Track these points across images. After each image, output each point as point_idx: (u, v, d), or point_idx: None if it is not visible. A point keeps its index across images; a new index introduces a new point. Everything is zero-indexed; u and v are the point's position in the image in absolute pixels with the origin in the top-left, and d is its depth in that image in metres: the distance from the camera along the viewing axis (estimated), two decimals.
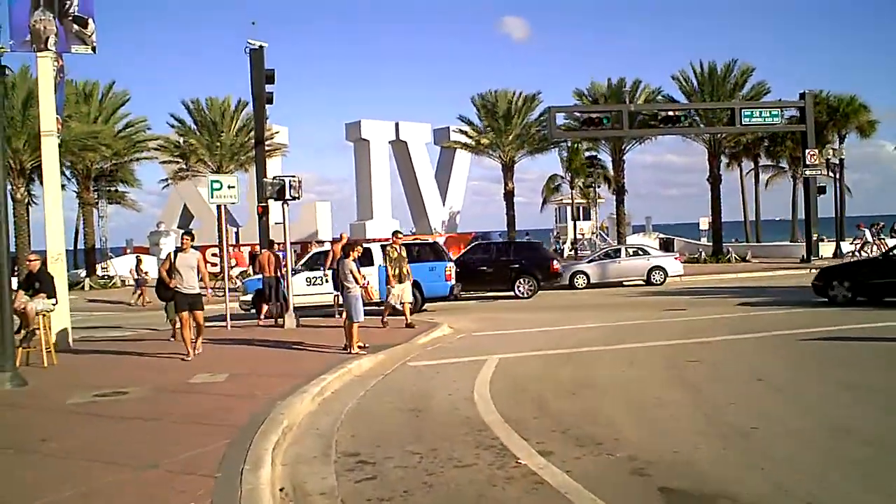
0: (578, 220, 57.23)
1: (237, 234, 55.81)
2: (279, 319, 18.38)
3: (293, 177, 18.06)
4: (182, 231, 19.42)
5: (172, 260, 13.21)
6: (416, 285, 18.46)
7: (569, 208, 60.90)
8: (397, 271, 16.62)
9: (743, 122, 37.24)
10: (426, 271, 20.58)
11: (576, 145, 52.26)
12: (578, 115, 38.58)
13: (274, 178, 18.27)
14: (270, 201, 30.39)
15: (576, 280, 29.20)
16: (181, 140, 41.08)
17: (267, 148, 35.57)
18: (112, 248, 49.00)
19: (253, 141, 37.01)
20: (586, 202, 57.17)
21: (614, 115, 36.91)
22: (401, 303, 16.73)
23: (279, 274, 19.85)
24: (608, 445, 6.99)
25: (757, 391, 9.31)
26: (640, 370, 11.04)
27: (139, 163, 41.81)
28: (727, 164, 52.18)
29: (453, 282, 21.38)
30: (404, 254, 16.85)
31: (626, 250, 31.39)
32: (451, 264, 21.70)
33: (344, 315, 13.75)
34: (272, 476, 6.24)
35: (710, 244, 43.59)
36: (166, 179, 43.84)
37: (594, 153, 52.20)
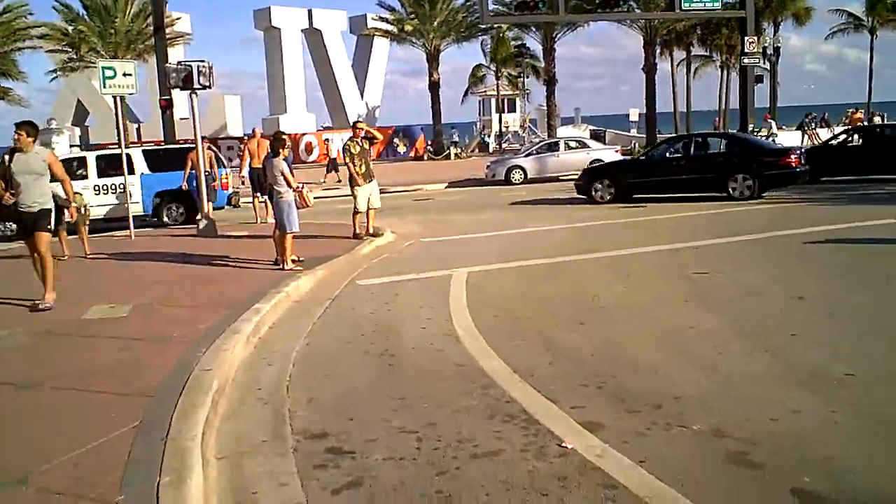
0: (504, 112, 55.07)
1: (138, 130, 51.53)
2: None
3: (202, 62, 15.26)
4: (53, 127, 16.19)
5: (7, 164, 8.92)
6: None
7: (493, 100, 58.62)
8: (364, 168, 14.00)
9: (682, 8, 35.19)
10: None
11: (502, 34, 49.65)
12: None
13: (178, 63, 15.42)
14: (175, 92, 27.31)
15: (512, 175, 27.35)
16: (69, 27, 36.63)
17: (168, 37, 31.93)
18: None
19: (151, 28, 33.37)
20: (513, 93, 54.91)
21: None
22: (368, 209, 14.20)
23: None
24: (671, 409, 5.09)
25: (807, 314, 7.53)
26: (644, 286, 9.18)
27: (22, 53, 37.18)
28: (659, 53, 50.40)
29: (230, 191, 19.60)
30: (367, 147, 14.27)
31: (566, 143, 29.42)
32: (227, 171, 19.62)
33: (274, 224, 11.46)
34: (205, 488, 4.13)
35: (643, 136, 42.15)
36: (55, 71, 39.39)
37: (521, 42, 49.78)
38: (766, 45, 39.29)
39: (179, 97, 45.21)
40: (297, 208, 11.14)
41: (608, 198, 19.06)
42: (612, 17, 36.88)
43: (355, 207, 14.01)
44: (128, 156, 17.44)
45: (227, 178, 18.80)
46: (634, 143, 41.22)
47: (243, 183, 17.93)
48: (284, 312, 8.63)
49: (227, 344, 6.88)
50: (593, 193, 19.33)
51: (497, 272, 10.60)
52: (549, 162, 28.06)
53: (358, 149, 13.73)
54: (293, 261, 11.13)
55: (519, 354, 6.49)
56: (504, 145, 49.55)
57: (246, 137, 21.85)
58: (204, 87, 15.26)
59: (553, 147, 29.19)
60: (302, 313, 8.59)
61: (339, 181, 28.97)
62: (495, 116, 56.42)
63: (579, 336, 7.06)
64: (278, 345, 7.25)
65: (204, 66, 15.14)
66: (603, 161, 27.42)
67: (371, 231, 14.04)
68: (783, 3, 44.17)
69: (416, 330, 7.59)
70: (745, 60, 36.95)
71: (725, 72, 50.83)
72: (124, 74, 15.75)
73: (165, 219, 18.63)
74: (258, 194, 17.75)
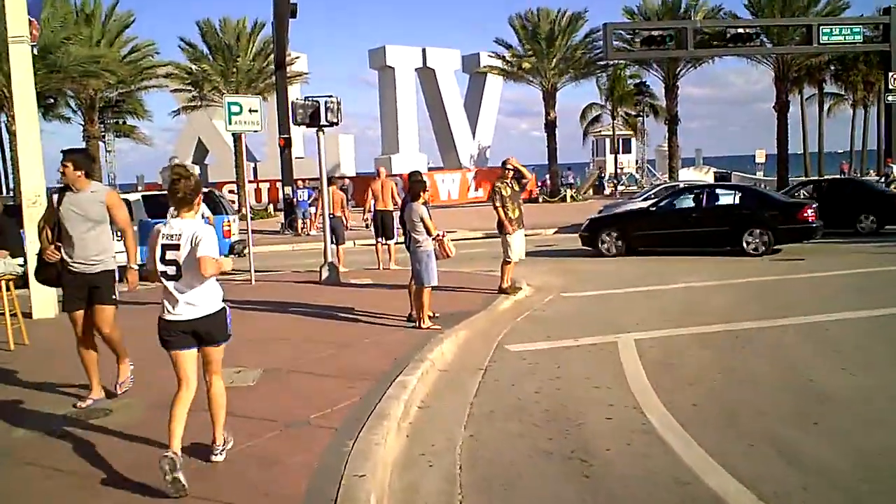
0: (618, 153, 53.29)
1: (255, 169, 52.30)
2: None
3: (329, 97, 14.42)
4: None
5: (55, 206, 6.60)
6: None
7: (608, 140, 56.91)
8: (517, 213, 12.54)
9: (821, 41, 33.05)
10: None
11: (619, 71, 48.16)
12: (632, 34, 34.48)
13: (306, 99, 14.63)
14: (294, 130, 26.82)
15: None
16: (193, 66, 37.22)
17: (286, 76, 31.86)
18: (122, 184, 45.75)
19: (272, 66, 33.45)
20: (631, 133, 53.12)
21: (677, 33, 32.70)
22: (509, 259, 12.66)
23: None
24: None
25: None
26: (863, 366, 7.53)
27: (147, 91, 38.10)
28: (788, 91, 47.77)
29: (233, 238, 17.13)
30: (517, 188, 12.70)
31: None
32: (230, 218, 17.28)
33: (410, 276, 10.31)
34: None
35: (773, 179, 39.63)
36: (177, 110, 40.10)
37: (641, 80, 48.10)
38: None
39: (296, 135, 45.79)
40: (437, 258, 9.95)
41: (614, 251, 18.08)
42: (743, 52, 34.97)
43: (506, 257, 12.56)
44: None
45: (228, 226, 16.93)
46: (766, 187, 38.69)
47: (367, 226, 17.01)
48: (432, 387, 7.38)
49: (377, 434, 5.64)
50: (600, 245, 18.32)
51: (670, 340, 9.09)
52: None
53: (509, 191, 12.40)
54: (429, 317, 9.95)
55: (754, 468, 5.00)
56: (620, 188, 47.74)
57: (338, 181, 20.74)
58: (331, 124, 14.40)
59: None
60: (453, 388, 7.32)
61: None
62: (610, 157, 54.71)
63: (823, 442, 5.50)
64: (436, 436, 5.97)
65: (332, 102, 14.29)
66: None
67: (510, 284, 12.71)
68: None
69: (599, 419, 6.19)
70: (890, 98, 34.42)
71: (863, 110, 47.68)
72: (250, 111, 15.07)
73: None
74: (381, 239, 16.80)
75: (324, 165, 14.80)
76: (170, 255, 4.83)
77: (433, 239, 9.88)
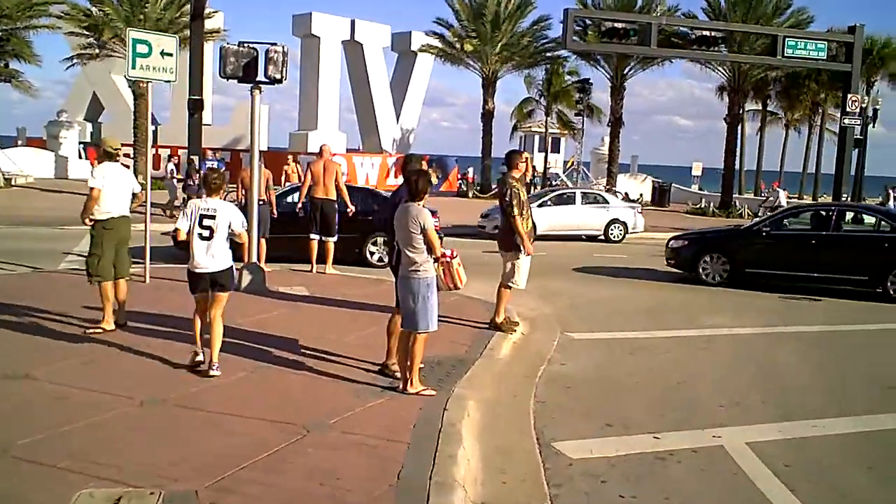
0: (549, 152, 50.73)
1: (155, 133, 47.20)
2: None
3: (273, 44, 10.80)
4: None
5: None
6: None
7: (537, 138, 54.42)
8: (530, 225, 9.16)
9: (786, 54, 31.05)
10: None
11: (557, 66, 45.39)
12: (591, 24, 31.73)
13: (241, 44, 10.93)
14: (210, 92, 22.75)
15: None
16: (93, 8, 32.32)
17: (203, 29, 27.64)
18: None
19: (187, 17, 29.14)
20: (563, 132, 50.60)
21: (641, 27, 30.07)
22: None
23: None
24: None
25: None
26: None
27: (36, 32, 32.81)
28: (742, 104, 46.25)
29: None
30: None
31: (584, 195, 24.27)
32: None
33: (394, 313, 6.92)
34: None
35: (710, 193, 37.73)
36: (71, 58, 35.02)
37: (576, 75, 45.35)
38: (863, 104, 35.09)
39: (206, 98, 41.12)
40: (438, 289, 6.61)
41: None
42: (706, 56, 32.60)
43: (508, 282, 9.28)
44: None
45: None
46: (709, 203, 36.66)
47: (300, 215, 13.43)
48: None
49: None
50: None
51: (804, 443, 6.03)
52: (564, 216, 22.69)
53: (524, 194, 9.13)
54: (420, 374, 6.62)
55: None
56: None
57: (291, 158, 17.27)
58: (273, 81, 10.78)
59: (568, 199, 23.81)
60: None
61: None
62: (539, 156, 52.18)
63: None
64: None
65: (275, 52, 10.68)
66: (622, 220, 23.32)
67: (505, 318, 9.41)
68: (882, 60, 39.90)
69: None
70: (847, 121, 32.68)
71: (798, 132, 46.59)
72: (163, 53, 11.30)
73: None
74: (316, 234, 13.30)
75: (257, 134, 11.16)
76: (206, 222, 6.77)
77: (437, 261, 6.54)
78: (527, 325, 9.89)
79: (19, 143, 41.32)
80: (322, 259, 13.31)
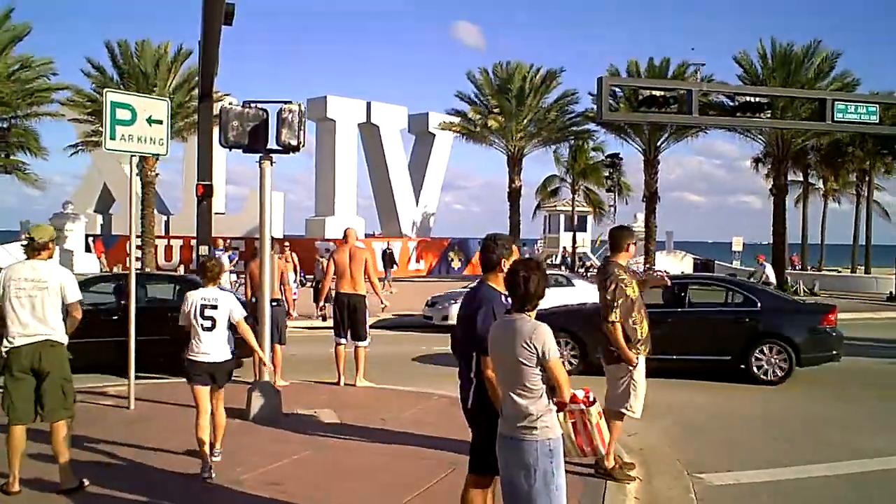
0: (575, 230, 48.41)
1: (167, 224, 45.39)
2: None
3: (287, 102, 8.51)
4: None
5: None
6: None
7: (562, 216, 52.24)
8: (645, 331, 6.62)
9: (835, 119, 28.82)
10: None
11: (581, 142, 43.39)
12: (628, 93, 29.83)
13: (245, 104, 8.65)
14: (216, 179, 20.81)
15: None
16: (98, 94, 30.71)
17: (212, 110, 25.81)
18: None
19: (195, 102, 27.41)
20: (590, 210, 48.32)
21: (681, 95, 28.05)
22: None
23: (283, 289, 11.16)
24: None
25: None
26: None
27: (39, 120, 31.09)
28: (766, 175, 43.90)
29: None
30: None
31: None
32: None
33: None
34: None
35: (756, 269, 34.89)
36: (76, 145, 33.36)
37: (601, 151, 43.29)
38: None
39: (217, 187, 39.29)
40: (565, 455, 4.02)
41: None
42: (751, 124, 30.35)
43: (621, 407, 6.63)
44: None
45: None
46: (760, 281, 33.85)
47: (321, 317, 10.94)
48: None
49: None
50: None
51: None
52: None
53: (635, 290, 6.62)
54: None
55: None
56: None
57: (277, 244, 14.99)
58: (288, 149, 8.44)
59: None
60: None
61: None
62: (565, 235, 49.98)
63: None
64: None
65: (289, 111, 8.38)
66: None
67: (617, 462, 6.68)
68: None
69: None
70: None
71: (858, 202, 44.01)
72: (150, 120, 9.07)
73: None
74: (344, 337, 10.81)
75: (268, 213, 8.75)
76: (209, 312, 6.50)
77: (561, 409, 3.99)
78: (637, 463, 7.24)
79: (23, 237, 39.31)
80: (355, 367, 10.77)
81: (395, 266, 31.18)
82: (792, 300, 14.87)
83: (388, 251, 30.60)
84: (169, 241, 38.56)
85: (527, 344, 3.79)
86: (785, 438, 8.64)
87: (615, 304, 6.30)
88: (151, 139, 9.11)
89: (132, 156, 9.23)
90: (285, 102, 8.47)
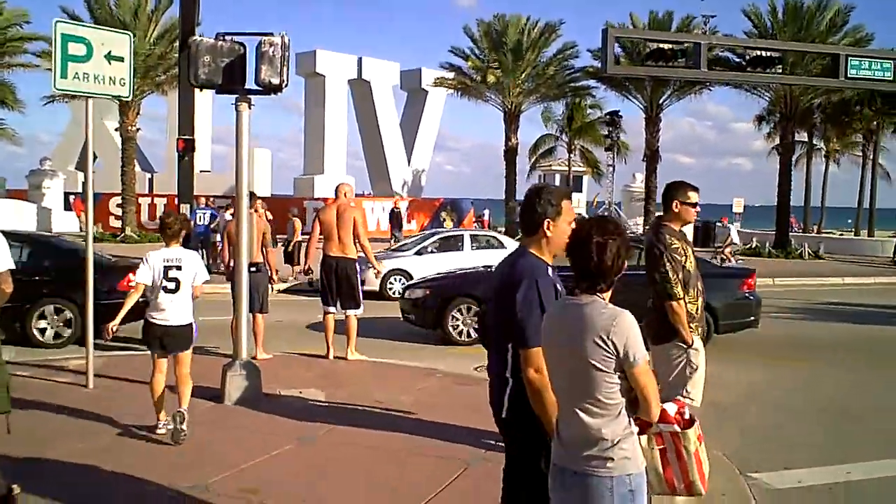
0: (571, 191, 47.14)
1: (151, 181, 43.91)
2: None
3: (268, 34, 7.24)
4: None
5: None
6: None
7: (557, 177, 51.00)
8: (699, 304, 5.39)
9: (848, 75, 27.58)
10: None
11: (579, 100, 41.99)
12: (632, 46, 28.53)
13: (220, 35, 7.37)
14: (200, 133, 19.89)
15: (388, 285, 16.51)
16: None
17: None
18: None
19: (176, 55, 25.89)
20: (587, 170, 47.10)
21: (689, 49, 26.69)
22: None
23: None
24: None
25: None
26: None
27: (11, 70, 29.58)
28: (767, 135, 42.74)
29: None
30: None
31: (472, 238, 19.11)
32: None
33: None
34: None
35: (772, 232, 33.92)
36: (51, 97, 31.83)
37: (598, 109, 41.84)
38: None
39: (202, 143, 37.86)
40: (651, 491, 2.91)
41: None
42: (761, 79, 29.13)
43: (677, 393, 5.19)
44: None
45: None
46: (766, 242, 32.86)
47: (309, 282, 9.80)
48: None
49: None
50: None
51: None
52: (449, 266, 15.45)
53: (692, 258, 5.45)
54: None
55: None
56: None
57: (257, 201, 13.71)
58: (269, 89, 7.18)
59: (454, 242, 18.70)
60: None
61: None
62: None
63: None
64: None
65: (271, 45, 7.11)
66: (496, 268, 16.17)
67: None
68: None
69: None
70: None
71: (864, 164, 42.86)
72: (108, 57, 7.79)
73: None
74: (332, 305, 9.66)
75: (245, 165, 7.50)
76: (172, 273, 6.13)
77: (643, 431, 2.85)
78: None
79: None
80: (338, 338, 9.65)
81: (402, 226, 29.63)
82: (711, 264, 13.98)
83: (395, 210, 29.31)
84: (153, 200, 37.18)
85: (602, 340, 2.64)
86: (839, 427, 7.59)
87: (675, 279, 5.13)
88: (111, 79, 7.85)
89: (88, 98, 7.94)
90: (265, 34, 7.21)
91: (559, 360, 2.83)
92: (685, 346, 5.20)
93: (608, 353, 2.64)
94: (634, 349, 2.63)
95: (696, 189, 5.42)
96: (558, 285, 3.31)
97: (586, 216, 26.01)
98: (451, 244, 18.55)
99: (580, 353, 2.68)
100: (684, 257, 5.24)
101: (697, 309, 5.30)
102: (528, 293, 3.20)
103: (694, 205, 5.36)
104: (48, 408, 6.90)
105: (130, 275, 10.31)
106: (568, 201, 3.45)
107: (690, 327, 5.23)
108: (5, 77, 30.68)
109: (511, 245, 18.03)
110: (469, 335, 11.32)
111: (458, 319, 11.40)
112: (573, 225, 3.27)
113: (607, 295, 2.81)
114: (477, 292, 11.39)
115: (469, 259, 17.05)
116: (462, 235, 19.42)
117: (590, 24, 42.13)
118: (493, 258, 15.13)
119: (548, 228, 3.36)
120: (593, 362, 2.65)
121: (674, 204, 5.40)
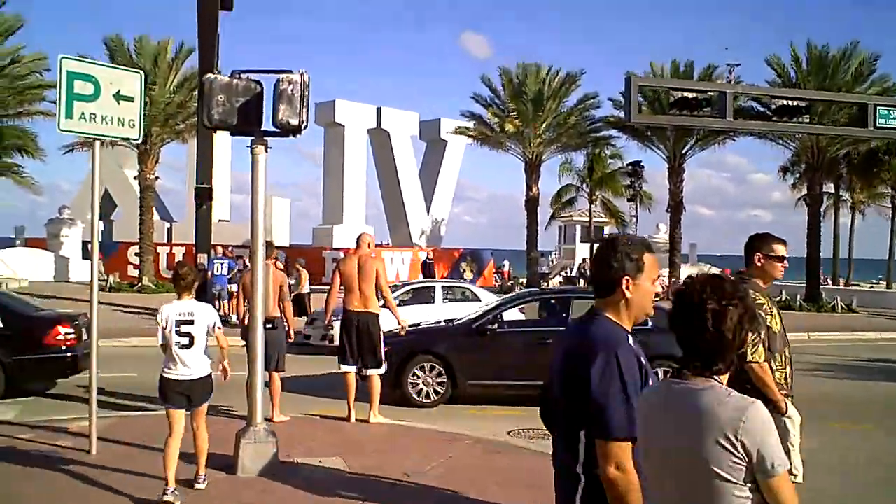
0: (593, 242, 46.49)
1: (170, 231, 43.79)
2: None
3: (286, 72, 6.74)
4: None
5: None
6: None
7: (578, 227, 50.38)
8: (789, 370, 4.72)
9: (878, 124, 26.97)
10: None
11: (599, 150, 41.54)
12: (657, 95, 28.10)
13: (235, 73, 6.88)
14: (219, 185, 19.51)
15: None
16: None
17: None
18: None
19: (196, 103, 25.73)
20: (609, 221, 46.44)
21: (715, 97, 26.24)
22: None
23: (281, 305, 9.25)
24: None
25: None
26: None
27: (31, 119, 29.47)
28: (792, 185, 41.95)
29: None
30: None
31: (444, 290, 18.07)
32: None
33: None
34: None
35: (801, 284, 32.99)
36: (70, 145, 31.73)
37: (619, 159, 41.29)
38: None
39: (221, 193, 37.61)
40: None
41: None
42: (787, 128, 28.44)
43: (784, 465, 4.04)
44: None
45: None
46: (794, 295, 31.98)
47: (327, 338, 9.17)
48: None
49: None
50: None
51: None
52: (421, 318, 13.81)
53: (778, 318, 4.75)
54: None
55: None
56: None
57: (273, 251, 13.12)
58: (287, 131, 6.64)
59: (426, 293, 17.64)
60: None
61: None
62: (581, 246, 48.22)
63: None
64: None
65: (290, 83, 6.60)
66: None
67: None
68: None
69: None
70: None
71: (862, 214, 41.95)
72: (117, 97, 7.31)
73: None
74: (346, 365, 8.99)
75: (261, 212, 6.93)
76: (185, 328, 5.98)
77: None
78: None
79: (17, 243, 37.71)
80: (357, 397, 8.98)
81: (435, 277, 28.82)
82: None
83: (429, 261, 28.33)
84: (171, 249, 36.87)
85: (729, 441, 1.98)
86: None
87: (755, 339, 4.46)
88: (120, 120, 7.36)
89: (95, 139, 7.44)
90: (284, 72, 6.71)
91: (661, 459, 2.17)
92: (779, 416, 4.50)
93: (737, 458, 1.98)
94: (772, 453, 1.98)
95: (783, 242, 4.78)
96: (642, 358, 2.67)
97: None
98: (422, 296, 17.56)
99: (697, 457, 2.02)
100: (769, 316, 4.58)
101: (786, 378, 4.62)
102: (607, 369, 2.55)
103: (781, 259, 4.71)
104: (48, 476, 6.30)
105: (59, 327, 9.84)
106: (651, 255, 2.81)
107: (783, 394, 4.54)
108: (26, 125, 30.68)
109: (486, 297, 17.48)
110: (428, 396, 10.49)
111: (418, 378, 10.58)
112: (657, 285, 2.65)
113: (725, 378, 2.16)
114: (439, 349, 10.67)
115: (439, 312, 15.84)
116: (434, 287, 18.46)
117: (604, 73, 41.95)
118: (464, 311, 14.18)
119: (627, 288, 2.72)
120: (717, 470, 1.99)
121: (756, 257, 4.77)
